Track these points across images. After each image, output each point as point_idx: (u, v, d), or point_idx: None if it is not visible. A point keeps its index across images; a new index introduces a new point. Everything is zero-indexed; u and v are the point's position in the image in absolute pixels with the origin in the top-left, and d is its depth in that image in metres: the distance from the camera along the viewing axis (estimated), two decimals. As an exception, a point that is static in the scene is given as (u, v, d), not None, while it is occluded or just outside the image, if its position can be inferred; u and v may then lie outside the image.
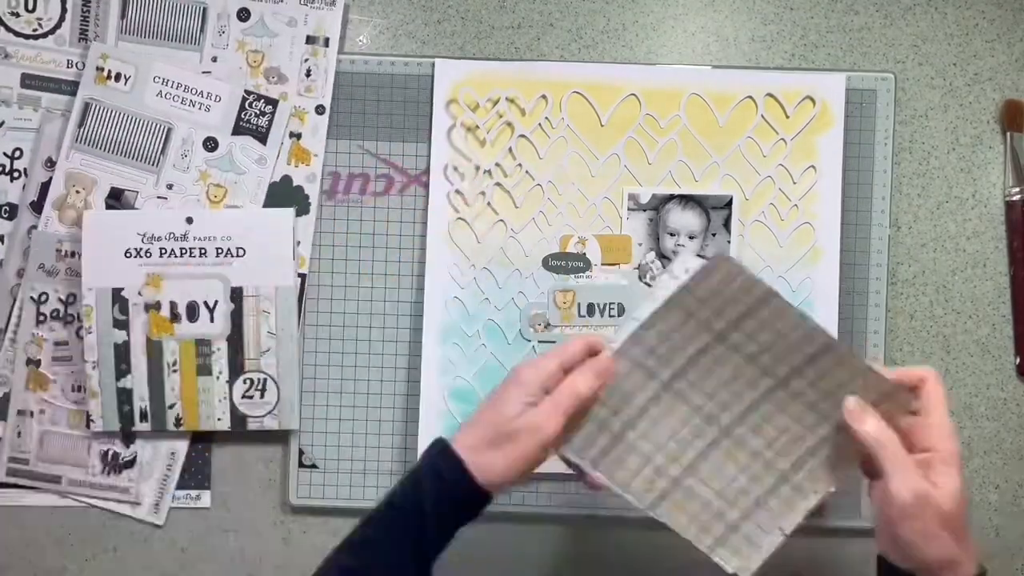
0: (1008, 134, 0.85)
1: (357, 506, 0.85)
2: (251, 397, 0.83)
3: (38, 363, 0.84)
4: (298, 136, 0.83)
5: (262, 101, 0.83)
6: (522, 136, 0.83)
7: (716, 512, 0.65)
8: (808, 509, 0.65)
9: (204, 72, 0.83)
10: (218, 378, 0.82)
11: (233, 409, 0.83)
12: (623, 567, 0.86)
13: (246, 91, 0.83)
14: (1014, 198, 0.85)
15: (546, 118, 0.83)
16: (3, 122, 0.83)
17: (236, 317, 0.82)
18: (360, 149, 0.84)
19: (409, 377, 0.84)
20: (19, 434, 0.84)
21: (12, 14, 0.83)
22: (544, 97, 0.83)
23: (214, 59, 0.83)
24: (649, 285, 0.83)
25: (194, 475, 0.85)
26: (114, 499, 0.85)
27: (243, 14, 0.83)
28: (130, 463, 0.85)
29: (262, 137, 0.83)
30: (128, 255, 0.81)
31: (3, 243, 0.84)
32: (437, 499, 0.62)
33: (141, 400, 0.82)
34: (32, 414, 0.84)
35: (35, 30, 0.83)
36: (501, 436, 0.62)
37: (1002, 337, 0.86)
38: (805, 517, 0.65)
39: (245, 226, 0.82)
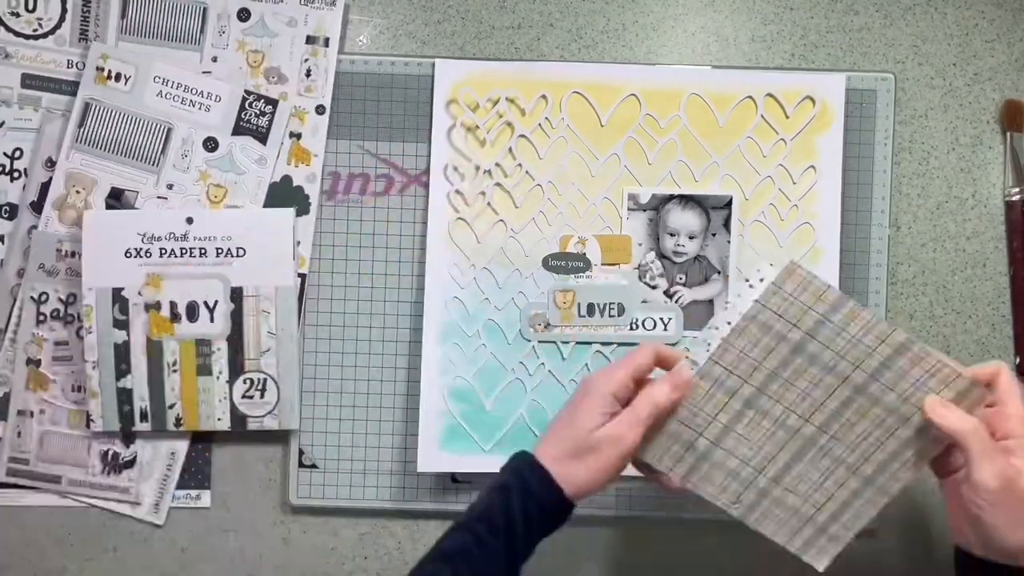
0: (1008, 134, 0.85)
1: (357, 506, 0.85)
2: (251, 397, 0.83)
3: (38, 363, 0.84)
4: (298, 136, 0.83)
5: (262, 101, 0.83)
6: (522, 136, 0.83)
7: (804, 517, 0.67)
8: (887, 503, 0.67)
9: (204, 72, 0.83)
10: (218, 378, 0.82)
11: (233, 409, 0.83)
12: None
13: (246, 91, 0.83)
14: (1014, 198, 0.85)
15: (546, 118, 0.83)
16: (3, 122, 0.83)
17: (236, 317, 0.82)
18: (360, 149, 0.84)
19: (409, 377, 0.84)
20: (19, 434, 0.84)
21: (12, 14, 0.83)
22: (544, 97, 0.83)
23: (214, 59, 0.83)
24: (649, 285, 0.83)
25: (194, 475, 0.85)
26: (114, 499, 0.85)
27: (243, 14, 0.83)
28: (130, 463, 0.85)
29: (262, 137, 0.83)
30: (128, 255, 0.81)
31: (3, 243, 0.84)
32: (526, 510, 0.63)
33: (141, 400, 0.82)
34: (32, 414, 0.84)
35: (35, 30, 0.83)
36: (582, 448, 0.64)
37: (1002, 337, 0.86)
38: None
39: (245, 226, 0.82)
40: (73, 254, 0.83)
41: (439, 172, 0.83)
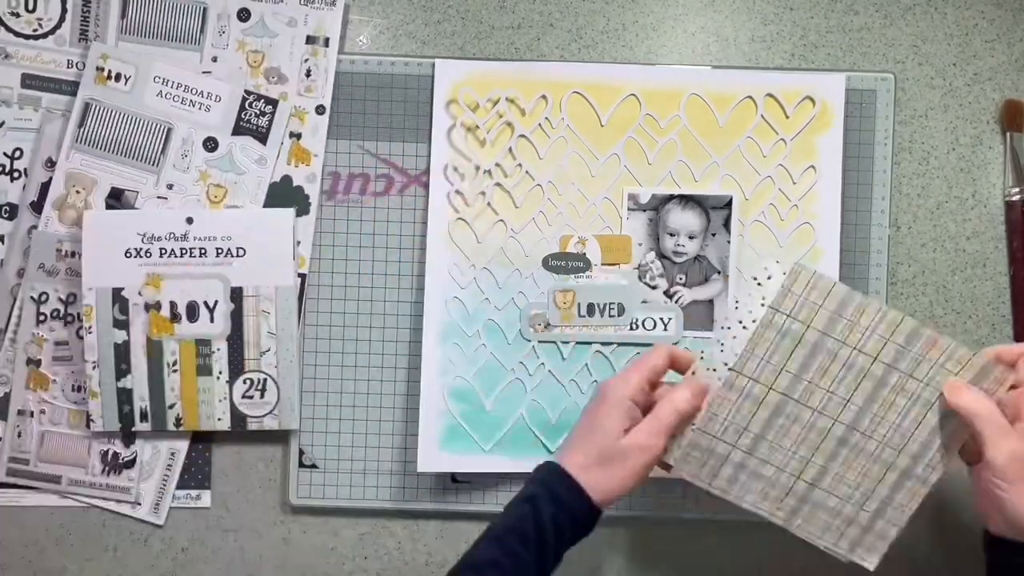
0: (1008, 134, 0.85)
1: (357, 506, 0.85)
2: (251, 397, 0.83)
3: (38, 363, 0.84)
4: (298, 136, 0.83)
5: (262, 101, 0.83)
6: (522, 136, 0.83)
7: (848, 518, 0.67)
8: (928, 492, 0.67)
9: (204, 72, 0.83)
10: (218, 378, 0.82)
11: (233, 409, 0.83)
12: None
13: (246, 91, 0.83)
14: (1014, 198, 0.85)
15: (546, 118, 0.83)
16: (3, 122, 0.83)
17: (236, 317, 0.82)
18: (360, 149, 0.84)
19: (409, 377, 0.84)
20: (19, 434, 0.84)
21: (12, 14, 0.83)
22: (544, 97, 0.83)
23: (214, 59, 0.83)
24: (649, 285, 0.83)
25: (194, 475, 0.85)
26: (114, 499, 0.85)
27: (243, 14, 0.83)
28: (130, 463, 0.85)
29: (262, 137, 0.83)
30: (128, 255, 0.81)
31: (3, 243, 0.84)
32: (556, 520, 0.64)
33: (141, 400, 0.82)
34: (32, 414, 0.84)
35: (35, 30, 0.83)
36: (608, 456, 0.65)
37: (1002, 337, 0.86)
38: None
39: (245, 226, 0.82)
40: (73, 254, 0.83)
41: (439, 172, 0.83)
